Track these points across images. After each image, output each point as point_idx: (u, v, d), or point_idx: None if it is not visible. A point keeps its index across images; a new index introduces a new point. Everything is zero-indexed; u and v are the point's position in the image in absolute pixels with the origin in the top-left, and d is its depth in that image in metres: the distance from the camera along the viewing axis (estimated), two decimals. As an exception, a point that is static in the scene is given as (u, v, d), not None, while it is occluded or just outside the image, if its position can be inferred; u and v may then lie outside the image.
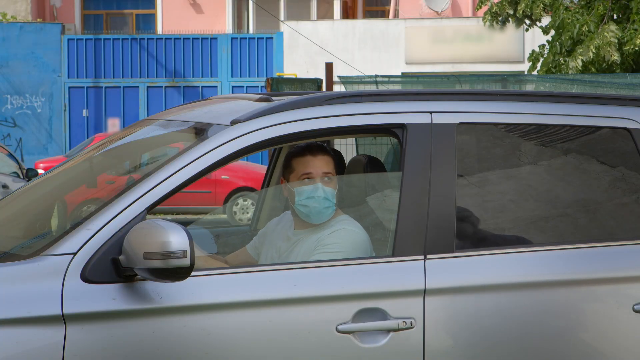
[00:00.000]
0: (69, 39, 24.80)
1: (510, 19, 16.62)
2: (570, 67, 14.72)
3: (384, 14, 28.83)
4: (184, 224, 3.63)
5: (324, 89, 15.52)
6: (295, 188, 4.08)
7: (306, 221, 4.10)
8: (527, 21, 16.47)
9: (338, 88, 15.33)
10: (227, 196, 18.56)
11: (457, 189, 3.86)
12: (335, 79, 14.72)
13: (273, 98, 4.05)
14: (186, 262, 3.38)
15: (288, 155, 4.22)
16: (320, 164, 4.06)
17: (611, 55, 14.50)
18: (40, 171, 17.03)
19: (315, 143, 4.14)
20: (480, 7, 17.61)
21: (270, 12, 25.06)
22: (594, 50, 14.52)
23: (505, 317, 3.80)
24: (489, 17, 16.78)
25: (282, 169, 4.25)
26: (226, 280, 3.65)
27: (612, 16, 15.46)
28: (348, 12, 28.58)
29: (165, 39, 24.93)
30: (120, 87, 24.72)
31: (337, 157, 4.28)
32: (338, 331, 3.67)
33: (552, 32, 16.38)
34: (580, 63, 14.66)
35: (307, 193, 4.04)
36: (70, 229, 3.57)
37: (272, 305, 3.64)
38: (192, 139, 3.87)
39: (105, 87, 24.73)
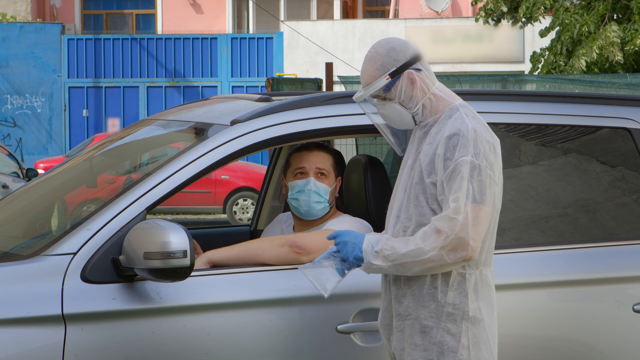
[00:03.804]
0: (69, 39, 24.79)
1: (505, 16, 16.61)
2: (575, 67, 14.71)
3: (384, 14, 28.83)
4: (184, 224, 3.63)
5: (324, 89, 15.52)
6: (289, 182, 4.09)
7: (301, 218, 4.10)
8: (524, 19, 16.46)
9: (338, 88, 15.33)
10: (227, 196, 18.56)
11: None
12: (335, 79, 14.72)
13: (273, 98, 4.05)
14: (186, 262, 3.38)
15: (288, 153, 4.23)
16: (314, 160, 4.07)
17: (615, 56, 14.50)
18: (40, 171, 17.02)
19: (316, 142, 4.14)
20: (476, 3, 17.63)
21: (270, 12, 25.06)
22: (597, 51, 14.52)
23: (505, 316, 3.80)
24: (483, 14, 16.79)
25: (283, 168, 4.27)
26: (226, 280, 3.65)
27: (613, 16, 15.46)
28: (348, 12, 28.58)
29: (165, 39, 24.92)
30: (120, 87, 24.72)
31: (337, 157, 4.28)
32: (338, 331, 3.67)
33: (552, 34, 16.37)
34: (584, 63, 14.66)
35: (298, 187, 4.06)
36: (70, 229, 3.57)
37: (272, 305, 3.64)
38: (192, 139, 3.87)
39: (105, 87, 24.73)
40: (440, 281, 3.34)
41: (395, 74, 3.37)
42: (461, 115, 3.35)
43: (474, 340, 3.34)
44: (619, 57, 14.50)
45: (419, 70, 3.39)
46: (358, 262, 3.37)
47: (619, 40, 14.56)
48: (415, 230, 3.36)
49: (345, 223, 3.97)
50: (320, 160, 4.08)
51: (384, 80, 3.37)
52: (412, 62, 3.38)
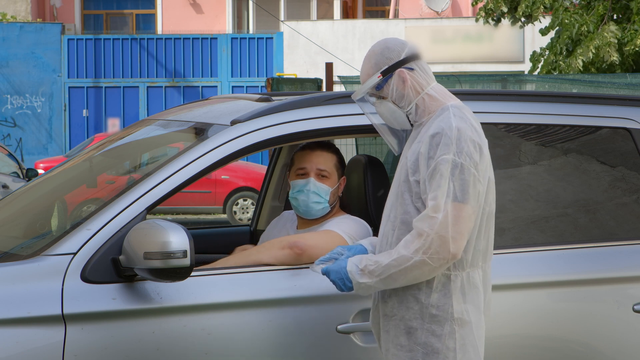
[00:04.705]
0: (69, 39, 24.79)
1: (505, 16, 16.62)
2: (572, 66, 14.73)
3: (384, 14, 28.83)
4: (184, 224, 3.62)
5: (324, 89, 15.52)
6: (291, 181, 4.10)
7: (303, 217, 4.11)
8: (523, 19, 16.47)
9: (338, 88, 15.33)
10: (227, 196, 18.56)
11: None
12: (335, 79, 14.71)
13: (273, 98, 4.05)
14: (186, 262, 3.38)
15: (293, 151, 4.23)
16: (316, 160, 4.06)
17: (610, 56, 14.51)
18: (40, 171, 17.02)
19: (320, 141, 4.14)
20: (476, 4, 17.64)
21: (270, 12, 25.07)
22: (593, 51, 14.53)
23: (505, 316, 3.81)
24: (483, 14, 16.80)
25: (288, 166, 4.28)
26: (226, 280, 3.65)
27: (612, 16, 15.47)
28: (348, 12, 28.58)
29: (165, 39, 24.93)
30: (120, 87, 24.72)
31: (341, 157, 4.28)
32: (338, 331, 3.67)
33: (552, 33, 16.38)
34: (580, 63, 14.67)
35: (298, 186, 4.06)
36: (70, 229, 3.57)
37: (272, 305, 3.64)
38: (192, 139, 3.87)
39: (105, 87, 24.73)
40: (424, 282, 3.33)
41: (387, 72, 3.40)
42: (448, 115, 3.35)
43: (461, 342, 3.33)
44: (614, 57, 14.50)
45: (411, 69, 3.41)
46: (350, 286, 3.37)
47: (615, 41, 14.57)
48: (400, 229, 3.36)
49: (345, 224, 3.97)
50: (322, 160, 4.08)
51: (376, 78, 3.40)
52: (405, 62, 3.41)
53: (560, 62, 15.35)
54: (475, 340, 3.36)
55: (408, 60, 3.41)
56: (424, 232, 3.24)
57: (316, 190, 4.04)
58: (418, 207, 3.33)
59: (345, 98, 3.91)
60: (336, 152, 4.15)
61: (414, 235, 3.27)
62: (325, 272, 3.42)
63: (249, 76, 24.80)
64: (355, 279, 3.35)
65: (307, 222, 4.12)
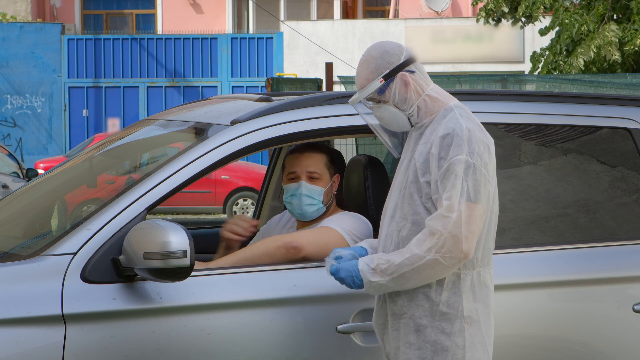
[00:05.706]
0: (69, 39, 24.80)
1: (506, 16, 16.61)
2: (574, 66, 14.73)
3: (384, 14, 28.83)
4: (184, 224, 3.62)
5: (324, 89, 15.51)
6: (284, 185, 4.12)
7: (300, 220, 4.11)
8: (523, 19, 16.47)
9: (338, 88, 15.33)
10: (227, 196, 18.56)
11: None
12: (335, 79, 14.71)
13: (273, 98, 4.05)
14: (186, 262, 3.38)
15: (284, 155, 4.24)
16: (305, 162, 4.07)
17: (612, 55, 14.51)
18: (40, 171, 17.03)
19: (309, 142, 4.14)
20: (477, 4, 17.63)
21: (270, 12, 25.06)
22: (594, 50, 14.53)
23: (505, 316, 3.81)
24: (484, 14, 16.79)
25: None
26: (226, 280, 3.66)
27: (612, 16, 15.46)
28: (348, 12, 28.58)
29: (165, 39, 24.93)
30: (120, 87, 24.72)
31: (332, 155, 4.28)
32: (338, 331, 3.67)
33: (552, 33, 16.38)
34: (582, 62, 14.67)
35: (290, 191, 4.07)
36: (70, 229, 3.57)
37: (272, 305, 3.64)
38: (192, 139, 3.88)
39: (105, 87, 24.73)
40: (435, 281, 3.35)
41: (389, 77, 3.42)
42: (455, 116, 3.38)
43: (470, 341, 3.35)
44: (616, 56, 14.50)
45: (412, 72, 3.44)
46: (360, 284, 3.38)
47: (617, 40, 14.57)
48: (410, 229, 3.37)
49: (342, 220, 3.98)
50: (311, 162, 4.08)
51: (378, 82, 3.41)
52: (405, 65, 3.43)
53: (560, 62, 15.35)
54: (484, 339, 3.38)
55: (408, 63, 3.43)
56: (437, 231, 3.26)
57: (308, 192, 4.05)
58: (428, 208, 3.36)
59: (345, 98, 3.91)
60: (326, 151, 4.15)
61: (426, 234, 3.29)
62: (334, 272, 3.42)
63: (249, 76, 24.80)
64: (366, 278, 3.36)
65: (305, 223, 4.13)
